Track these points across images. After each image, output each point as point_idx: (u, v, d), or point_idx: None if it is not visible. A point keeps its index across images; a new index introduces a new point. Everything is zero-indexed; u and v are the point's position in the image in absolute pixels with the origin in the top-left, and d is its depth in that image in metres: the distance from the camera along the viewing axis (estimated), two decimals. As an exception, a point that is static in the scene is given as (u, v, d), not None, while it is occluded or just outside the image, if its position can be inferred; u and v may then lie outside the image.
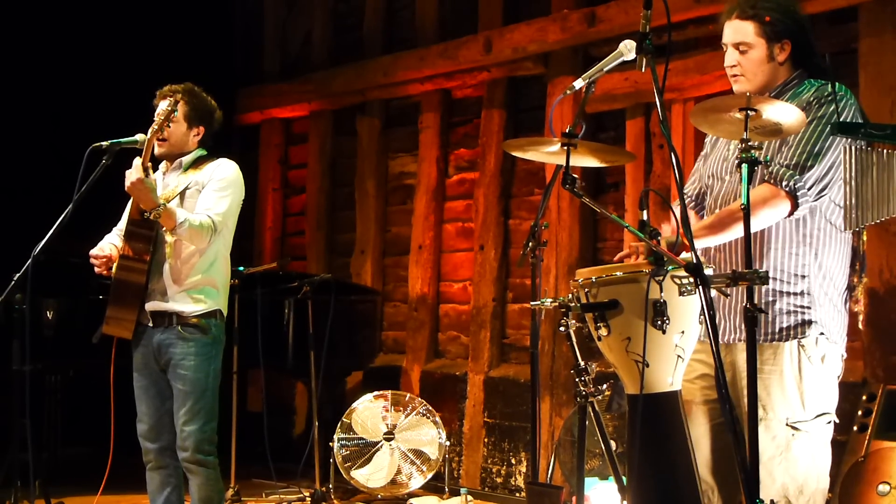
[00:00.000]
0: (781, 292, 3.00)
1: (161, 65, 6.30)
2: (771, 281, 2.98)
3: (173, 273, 3.92)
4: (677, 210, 2.74)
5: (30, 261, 3.78)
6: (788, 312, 2.99)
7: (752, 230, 2.89)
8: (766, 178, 2.98)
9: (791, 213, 2.97)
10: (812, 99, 3.01)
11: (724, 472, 3.05)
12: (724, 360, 2.99)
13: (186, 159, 4.07)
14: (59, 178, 4.25)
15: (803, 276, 3.01)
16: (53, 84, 6.56)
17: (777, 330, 2.99)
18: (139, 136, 3.90)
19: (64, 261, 5.11)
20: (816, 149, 2.94)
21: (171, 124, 3.96)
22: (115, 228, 4.16)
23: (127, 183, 3.76)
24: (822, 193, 2.98)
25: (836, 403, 3.03)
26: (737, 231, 2.96)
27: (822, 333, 3.00)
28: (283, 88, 7.54)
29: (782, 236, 3.01)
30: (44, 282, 4.09)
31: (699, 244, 2.88)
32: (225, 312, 4.05)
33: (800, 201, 2.95)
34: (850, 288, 3.12)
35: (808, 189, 2.94)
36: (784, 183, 2.94)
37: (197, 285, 3.93)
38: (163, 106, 3.90)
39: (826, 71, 3.11)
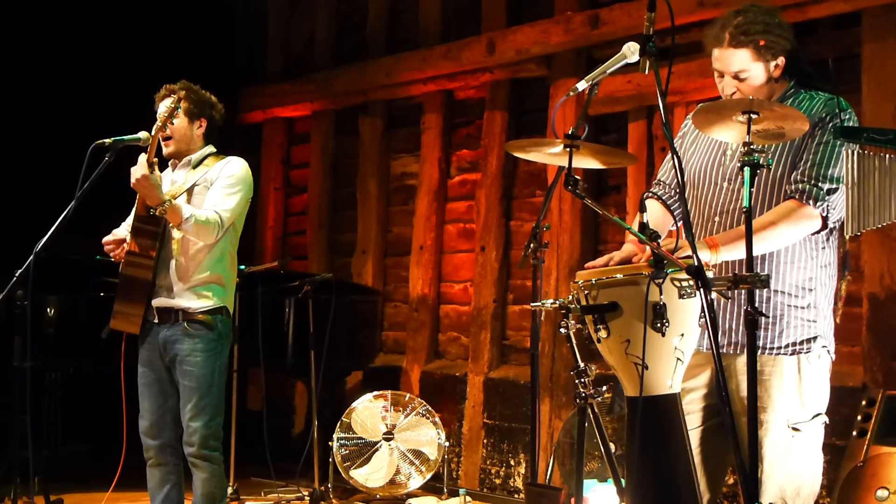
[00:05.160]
0: (790, 306, 2.99)
1: (164, 64, 6.31)
2: (781, 295, 2.98)
3: (180, 269, 3.93)
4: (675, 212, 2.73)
5: (31, 258, 3.77)
6: (795, 327, 2.99)
7: (783, 245, 2.94)
8: (792, 195, 2.95)
9: (817, 232, 2.98)
10: (824, 115, 2.99)
11: (707, 476, 3.05)
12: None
13: (195, 156, 4.09)
14: (62, 175, 4.26)
15: (811, 290, 3.01)
16: (57, 83, 6.57)
17: (784, 344, 2.98)
18: (142, 134, 3.91)
19: (65, 258, 5.12)
20: (837, 171, 2.93)
21: (174, 121, 3.99)
22: (123, 224, 4.16)
23: (132, 179, 3.77)
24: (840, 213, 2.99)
25: (827, 404, 3.04)
26: (770, 246, 2.95)
27: (824, 346, 3.01)
28: (286, 88, 7.54)
29: (792, 251, 3.00)
30: (45, 279, 4.10)
31: (727, 254, 2.88)
32: (231, 309, 4.05)
33: (829, 222, 2.96)
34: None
35: (835, 209, 2.95)
36: (818, 202, 2.92)
37: (203, 282, 3.95)
38: (166, 103, 3.92)
39: (811, 75, 3.12)
